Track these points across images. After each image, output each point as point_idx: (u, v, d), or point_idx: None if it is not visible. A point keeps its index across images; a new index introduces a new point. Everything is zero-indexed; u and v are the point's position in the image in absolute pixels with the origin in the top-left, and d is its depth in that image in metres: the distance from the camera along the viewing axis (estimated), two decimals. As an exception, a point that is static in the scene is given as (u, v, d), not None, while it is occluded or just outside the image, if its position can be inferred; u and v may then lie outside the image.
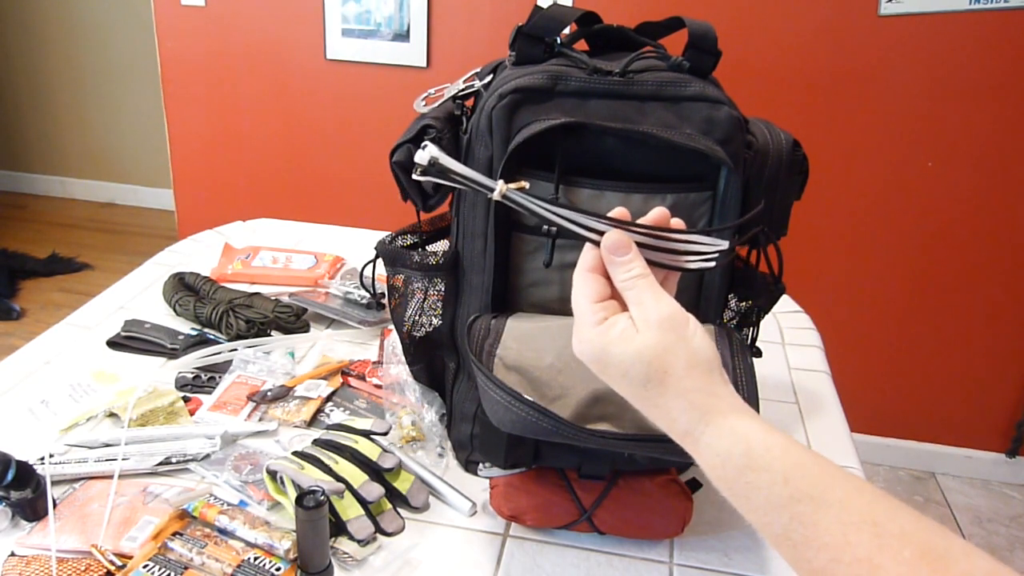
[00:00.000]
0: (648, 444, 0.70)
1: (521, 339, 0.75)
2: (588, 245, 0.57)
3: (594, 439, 0.68)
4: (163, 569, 0.72)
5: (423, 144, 0.67)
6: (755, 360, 0.80)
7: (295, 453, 0.84)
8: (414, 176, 0.66)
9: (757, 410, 0.71)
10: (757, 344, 0.87)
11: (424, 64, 2.24)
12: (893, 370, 2.34)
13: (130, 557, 0.74)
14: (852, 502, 0.44)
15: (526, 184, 0.63)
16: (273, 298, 1.18)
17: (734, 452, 0.48)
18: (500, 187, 0.62)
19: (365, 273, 0.93)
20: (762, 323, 0.88)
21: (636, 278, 0.54)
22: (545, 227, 0.76)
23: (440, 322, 0.87)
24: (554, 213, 0.59)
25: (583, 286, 0.55)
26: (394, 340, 1.03)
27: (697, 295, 0.81)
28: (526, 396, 0.67)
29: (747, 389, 0.73)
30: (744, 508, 0.48)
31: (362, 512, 0.79)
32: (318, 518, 0.71)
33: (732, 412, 0.50)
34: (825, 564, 0.43)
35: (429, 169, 0.65)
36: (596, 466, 0.79)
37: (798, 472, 0.46)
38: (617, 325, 0.53)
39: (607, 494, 0.79)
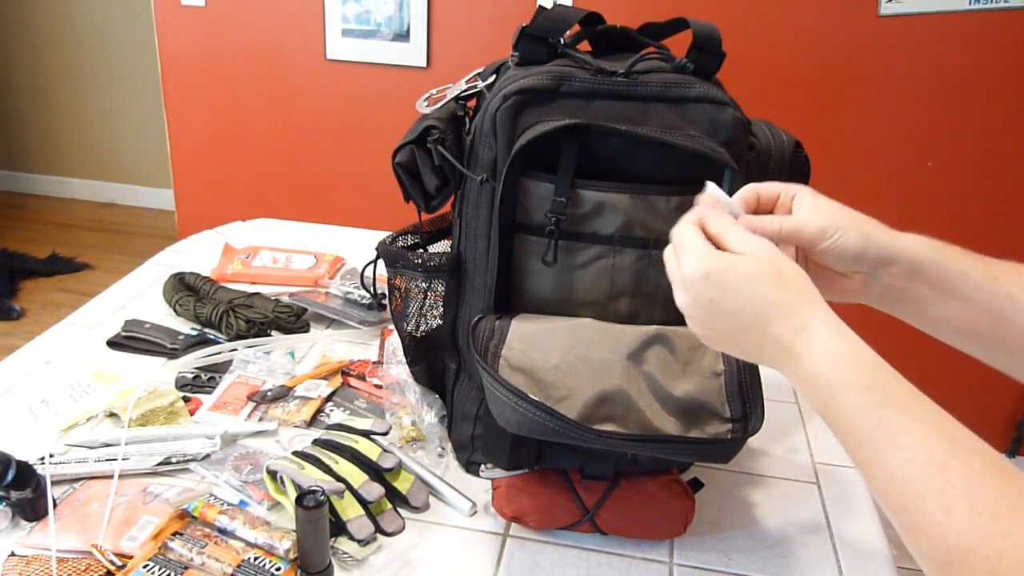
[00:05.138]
0: (653, 444, 0.70)
1: (526, 340, 0.75)
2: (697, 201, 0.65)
3: (601, 440, 0.67)
4: (163, 569, 0.72)
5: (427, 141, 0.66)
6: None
7: (295, 453, 0.84)
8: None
9: (763, 418, 0.71)
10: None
11: (424, 64, 2.24)
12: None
13: (130, 557, 0.74)
14: (935, 417, 0.49)
15: None
16: (273, 298, 1.18)
17: (830, 367, 0.52)
18: None
19: (366, 274, 0.93)
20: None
21: (730, 225, 0.60)
22: (548, 227, 0.76)
23: (441, 322, 0.87)
24: None
25: (692, 231, 0.60)
26: (394, 340, 1.03)
27: None
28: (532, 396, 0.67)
29: (752, 393, 0.73)
30: (830, 410, 0.52)
31: (362, 512, 0.79)
32: (318, 518, 0.71)
33: (825, 325, 0.54)
34: (900, 464, 0.47)
35: None
36: (599, 467, 0.79)
37: (891, 385, 0.51)
38: (732, 247, 0.58)
39: (610, 494, 0.79)
